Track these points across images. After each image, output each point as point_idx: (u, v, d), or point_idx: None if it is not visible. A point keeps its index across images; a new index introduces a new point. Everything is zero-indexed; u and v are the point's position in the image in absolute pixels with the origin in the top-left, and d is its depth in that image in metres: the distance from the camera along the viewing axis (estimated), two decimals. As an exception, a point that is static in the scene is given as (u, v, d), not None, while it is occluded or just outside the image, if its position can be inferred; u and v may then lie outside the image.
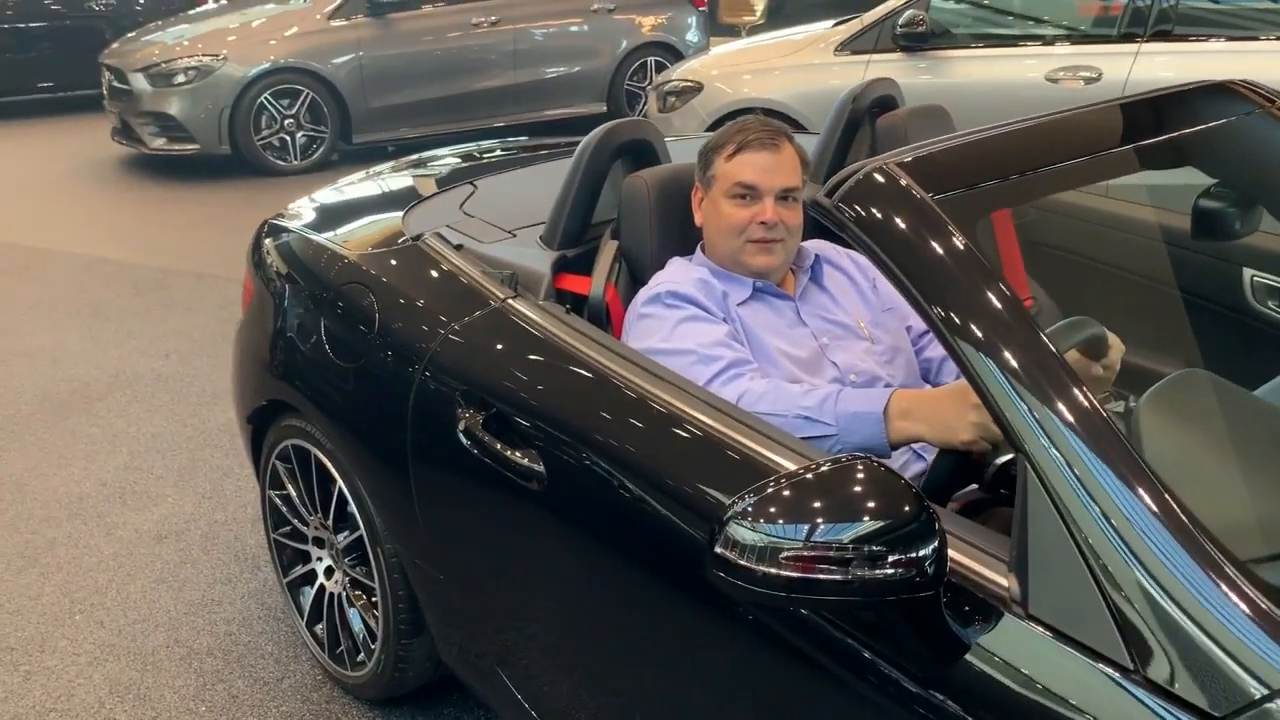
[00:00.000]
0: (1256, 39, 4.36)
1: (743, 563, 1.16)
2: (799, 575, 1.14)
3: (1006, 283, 1.30)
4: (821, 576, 1.14)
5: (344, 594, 2.33)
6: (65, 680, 2.50)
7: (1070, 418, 1.17)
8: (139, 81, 7.12)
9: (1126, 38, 4.55)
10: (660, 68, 7.78)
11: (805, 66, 5.27)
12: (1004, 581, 1.19)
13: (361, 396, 2.10)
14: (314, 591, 2.43)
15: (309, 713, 2.37)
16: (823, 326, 1.91)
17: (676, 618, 1.56)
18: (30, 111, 9.41)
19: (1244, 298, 2.23)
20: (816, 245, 2.05)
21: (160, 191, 7.00)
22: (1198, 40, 4.43)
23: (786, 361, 1.83)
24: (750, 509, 1.16)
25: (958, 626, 1.19)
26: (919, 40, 4.93)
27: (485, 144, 3.40)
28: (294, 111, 7.15)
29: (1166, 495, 1.12)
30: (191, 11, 8.84)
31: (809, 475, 1.19)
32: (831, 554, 1.14)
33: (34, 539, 3.07)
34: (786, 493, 1.17)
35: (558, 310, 1.88)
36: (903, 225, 1.36)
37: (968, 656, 1.18)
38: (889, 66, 4.84)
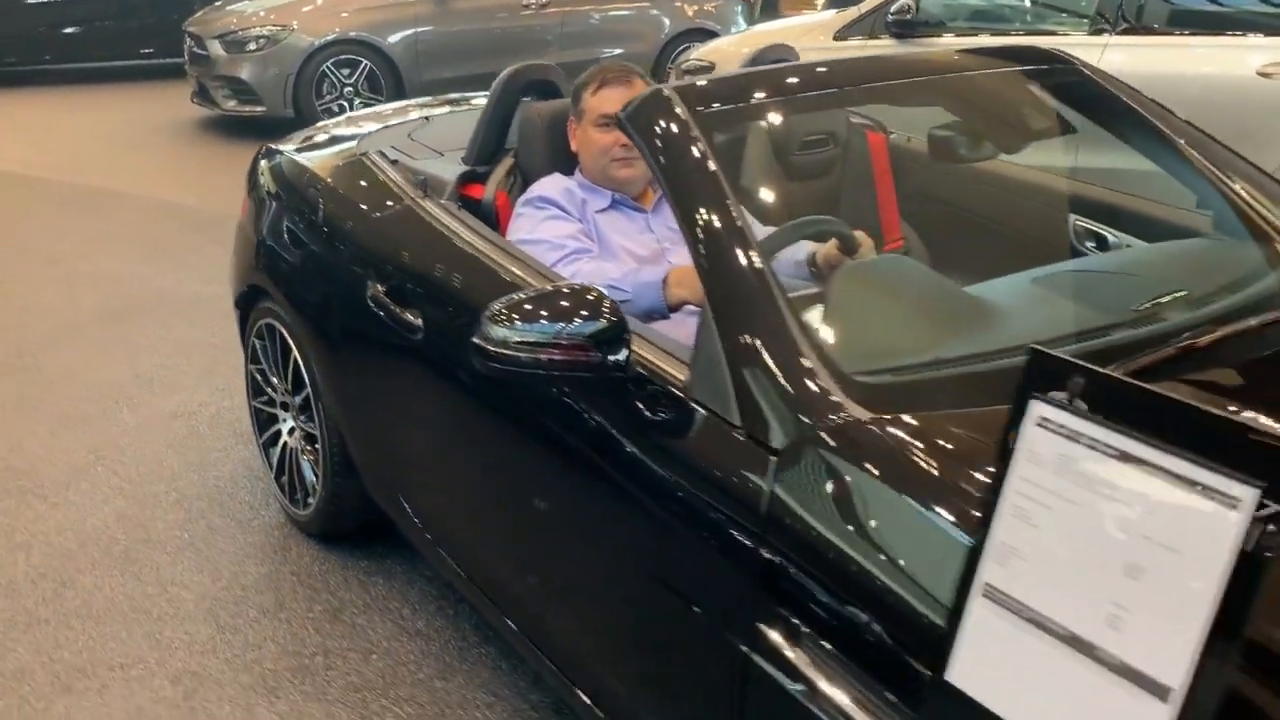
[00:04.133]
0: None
1: (492, 349, 1.62)
2: (530, 356, 1.61)
3: (727, 186, 1.72)
4: (553, 356, 1.60)
5: (299, 447, 2.85)
6: (81, 510, 3.06)
7: (741, 262, 1.61)
8: (215, 48, 7.81)
9: (1100, 31, 4.85)
10: (699, 53, 8.22)
11: (806, 50, 5.64)
12: (682, 376, 1.64)
13: (307, 277, 2.61)
14: (279, 449, 2.96)
15: (268, 543, 2.90)
16: (666, 234, 2.35)
17: (521, 443, 2.02)
18: (132, 76, 10.24)
19: (1070, 240, 2.63)
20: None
21: (227, 147, 7.67)
22: (1169, 35, 4.70)
23: (629, 258, 2.28)
24: (503, 311, 1.63)
25: (647, 408, 1.64)
26: (908, 27, 5.30)
27: None
28: (353, 80, 7.76)
29: (787, 315, 1.55)
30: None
31: (558, 294, 1.65)
32: (556, 342, 1.60)
33: (73, 412, 3.66)
34: (528, 305, 1.63)
35: (452, 208, 2.35)
36: (665, 133, 1.80)
37: (653, 429, 1.62)
38: (881, 51, 5.22)
